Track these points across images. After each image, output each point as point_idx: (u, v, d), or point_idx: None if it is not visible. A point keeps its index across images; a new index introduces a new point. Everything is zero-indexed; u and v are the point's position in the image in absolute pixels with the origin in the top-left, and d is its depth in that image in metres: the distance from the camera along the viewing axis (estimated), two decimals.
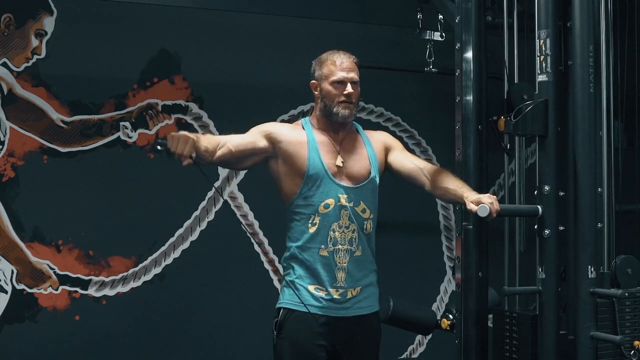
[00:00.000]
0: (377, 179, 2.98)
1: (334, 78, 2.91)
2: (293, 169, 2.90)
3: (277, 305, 2.94)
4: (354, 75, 2.93)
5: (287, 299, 2.90)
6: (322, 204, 2.88)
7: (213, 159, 2.82)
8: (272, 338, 2.91)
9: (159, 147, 2.64)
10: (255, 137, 2.92)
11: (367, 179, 2.94)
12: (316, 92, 2.98)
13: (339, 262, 2.88)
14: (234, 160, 2.90)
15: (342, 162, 2.92)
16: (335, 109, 2.91)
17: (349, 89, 2.90)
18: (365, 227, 2.93)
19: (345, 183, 2.91)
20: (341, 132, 2.97)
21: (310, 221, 2.88)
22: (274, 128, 2.96)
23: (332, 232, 2.88)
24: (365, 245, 2.93)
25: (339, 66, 2.92)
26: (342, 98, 2.90)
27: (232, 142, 2.87)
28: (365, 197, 2.93)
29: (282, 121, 4.52)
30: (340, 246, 2.88)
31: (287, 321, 2.87)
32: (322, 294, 2.87)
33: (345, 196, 2.89)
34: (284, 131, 2.95)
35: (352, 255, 2.90)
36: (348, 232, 2.90)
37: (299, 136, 2.94)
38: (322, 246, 2.87)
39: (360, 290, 2.92)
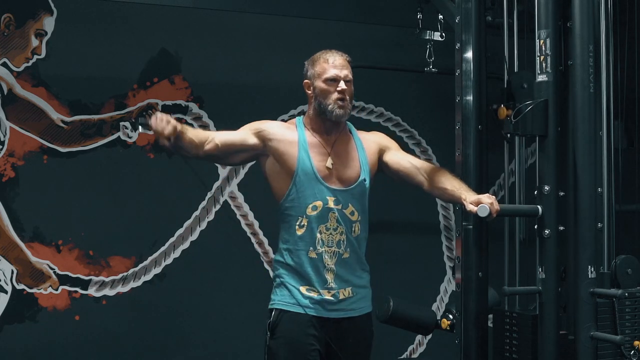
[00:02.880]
0: (367, 182, 2.95)
1: (327, 75, 2.90)
2: (283, 168, 2.89)
3: (270, 306, 2.93)
4: (347, 72, 2.91)
5: (279, 300, 2.90)
6: (310, 205, 2.87)
7: (199, 153, 2.83)
8: (264, 339, 2.90)
9: (140, 127, 2.64)
10: (245, 134, 2.92)
11: (356, 181, 2.92)
12: (309, 92, 2.96)
13: (327, 264, 2.87)
14: (221, 155, 2.91)
15: (332, 164, 2.90)
16: (330, 107, 2.89)
17: (342, 85, 2.88)
18: (353, 229, 2.92)
19: (334, 186, 2.89)
20: (334, 132, 2.95)
21: (298, 223, 2.88)
22: (266, 126, 2.95)
23: (319, 234, 2.87)
24: (355, 247, 2.92)
25: (331, 64, 2.91)
26: (336, 95, 2.88)
27: (220, 137, 2.88)
28: (354, 200, 2.92)
29: (283, 121, 4.52)
30: (327, 248, 2.87)
31: (280, 322, 2.87)
32: (313, 294, 2.86)
33: (334, 199, 2.88)
34: (276, 129, 2.94)
35: (339, 257, 2.89)
36: (336, 234, 2.88)
37: (291, 135, 2.93)
38: (311, 248, 2.87)
39: (351, 291, 2.91)
